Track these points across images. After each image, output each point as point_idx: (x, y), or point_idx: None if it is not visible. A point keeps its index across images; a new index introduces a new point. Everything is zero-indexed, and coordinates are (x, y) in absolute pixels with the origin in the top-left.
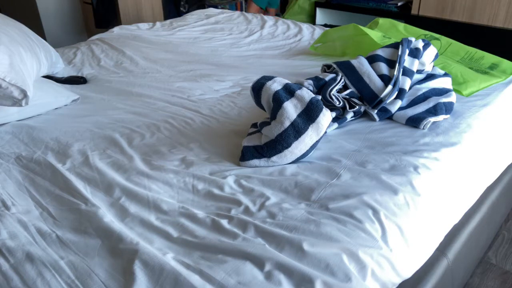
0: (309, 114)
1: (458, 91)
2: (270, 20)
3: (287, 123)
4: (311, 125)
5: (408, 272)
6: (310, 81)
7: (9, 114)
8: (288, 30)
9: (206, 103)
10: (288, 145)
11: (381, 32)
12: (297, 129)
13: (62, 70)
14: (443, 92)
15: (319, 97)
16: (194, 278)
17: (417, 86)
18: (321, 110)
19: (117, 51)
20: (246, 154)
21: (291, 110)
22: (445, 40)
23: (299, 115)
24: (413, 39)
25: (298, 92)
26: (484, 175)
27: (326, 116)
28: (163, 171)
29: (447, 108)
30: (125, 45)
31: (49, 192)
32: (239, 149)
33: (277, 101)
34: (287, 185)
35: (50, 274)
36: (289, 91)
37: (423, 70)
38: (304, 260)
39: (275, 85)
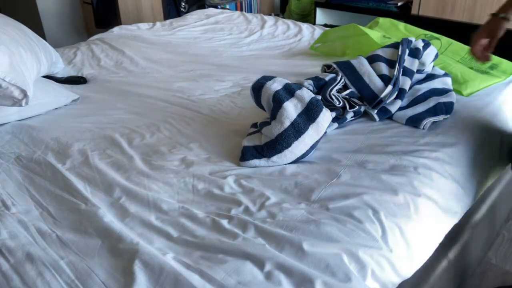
0: (309, 114)
1: (458, 91)
2: (270, 20)
3: (287, 123)
4: (311, 125)
5: (408, 272)
6: (310, 81)
7: (9, 114)
8: (288, 30)
9: (206, 103)
10: (288, 145)
11: (381, 31)
12: (297, 129)
13: (62, 70)
14: (443, 92)
15: (319, 97)
16: (194, 278)
17: (417, 86)
18: (321, 110)
19: (117, 51)
20: (246, 154)
21: (291, 110)
22: (445, 40)
23: (299, 115)
24: (413, 39)
25: (298, 92)
26: (484, 175)
27: (326, 116)
28: (163, 171)
29: (447, 108)
30: (125, 45)
31: (49, 192)
32: (239, 149)
33: (277, 101)
34: (287, 185)
35: (50, 274)
36: (289, 91)
37: (423, 70)
38: (304, 260)
39: (275, 85)
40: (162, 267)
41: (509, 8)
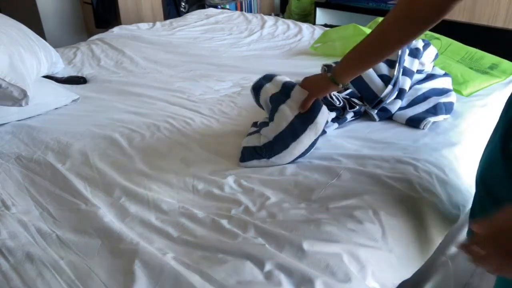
0: (307, 115)
1: (458, 91)
2: (270, 20)
3: (284, 125)
4: (309, 126)
5: (408, 272)
6: None
7: (9, 114)
8: (288, 30)
9: (206, 103)
10: (286, 146)
11: None
12: (294, 130)
13: (62, 70)
14: (443, 92)
15: None
16: (194, 278)
17: (417, 86)
18: (319, 110)
19: (117, 51)
20: (246, 155)
21: (287, 112)
22: (445, 40)
23: (296, 116)
24: None
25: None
26: None
27: (324, 114)
28: (163, 171)
29: (447, 108)
30: (125, 45)
31: (49, 192)
32: (239, 149)
33: (274, 103)
34: (287, 185)
35: (50, 274)
36: (285, 92)
37: (423, 70)
38: (304, 260)
39: (273, 87)
40: (162, 267)
41: (340, 71)
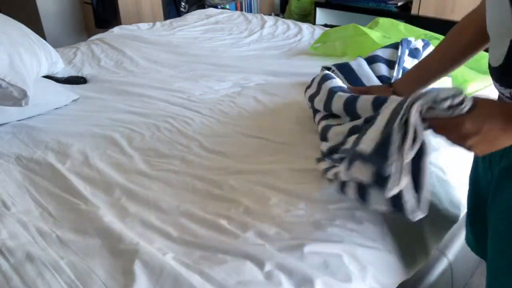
0: None
1: None
2: (270, 20)
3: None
4: None
5: (408, 272)
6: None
7: (9, 114)
8: (288, 30)
9: (206, 103)
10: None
11: (381, 32)
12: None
13: (62, 70)
14: None
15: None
16: (194, 278)
17: None
18: None
19: (117, 51)
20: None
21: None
22: None
23: None
24: (412, 39)
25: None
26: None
27: None
28: (163, 171)
29: None
30: (125, 45)
31: (49, 192)
32: (239, 148)
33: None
34: (288, 185)
35: (50, 274)
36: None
37: None
38: (304, 260)
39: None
40: (162, 267)
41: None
